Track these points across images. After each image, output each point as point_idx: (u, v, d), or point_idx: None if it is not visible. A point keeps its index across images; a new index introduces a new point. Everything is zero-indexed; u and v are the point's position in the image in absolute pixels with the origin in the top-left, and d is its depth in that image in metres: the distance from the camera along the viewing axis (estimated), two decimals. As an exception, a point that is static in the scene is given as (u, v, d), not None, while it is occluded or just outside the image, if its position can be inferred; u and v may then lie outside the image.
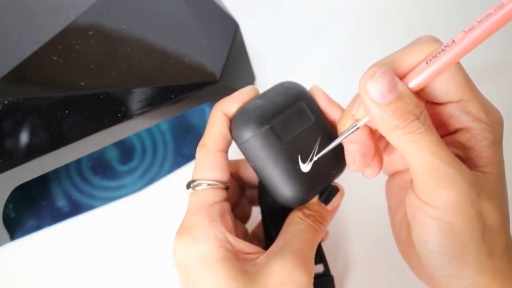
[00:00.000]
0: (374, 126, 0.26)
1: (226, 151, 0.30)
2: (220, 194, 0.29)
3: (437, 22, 0.52)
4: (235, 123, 0.29)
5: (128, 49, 0.35)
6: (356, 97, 0.27)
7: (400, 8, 0.54)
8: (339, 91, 0.32)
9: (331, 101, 0.31)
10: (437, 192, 0.24)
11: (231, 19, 0.41)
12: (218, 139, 0.29)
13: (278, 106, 0.29)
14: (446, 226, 0.25)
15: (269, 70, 0.48)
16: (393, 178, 0.31)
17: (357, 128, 0.27)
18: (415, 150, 0.24)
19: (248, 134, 0.28)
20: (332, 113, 0.31)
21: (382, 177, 0.33)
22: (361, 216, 0.41)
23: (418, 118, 0.24)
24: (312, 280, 0.27)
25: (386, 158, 0.31)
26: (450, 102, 0.27)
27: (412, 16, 0.53)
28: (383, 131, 0.25)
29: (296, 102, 0.30)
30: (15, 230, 0.40)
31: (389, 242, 0.40)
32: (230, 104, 0.30)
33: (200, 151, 0.29)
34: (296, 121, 0.29)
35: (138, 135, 0.45)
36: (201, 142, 0.30)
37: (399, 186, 0.31)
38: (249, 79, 0.45)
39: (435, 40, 0.26)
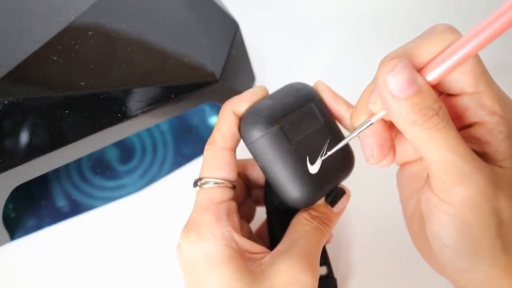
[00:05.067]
0: (391, 120, 0.25)
1: (234, 150, 0.30)
2: (227, 193, 0.29)
3: (438, 21, 0.52)
4: (244, 122, 0.29)
5: (128, 49, 0.35)
6: (368, 91, 0.27)
7: (400, 7, 0.54)
8: (340, 91, 0.32)
9: (336, 96, 0.31)
10: (453, 189, 0.24)
11: (231, 19, 0.41)
12: (227, 138, 0.29)
13: (287, 107, 0.29)
14: (462, 223, 0.24)
15: (269, 70, 0.48)
16: (404, 168, 0.31)
17: (371, 124, 0.27)
18: (433, 146, 0.24)
19: (258, 133, 0.28)
20: (337, 109, 0.31)
21: (386, 179, 0.33)
22: (364, 218, 0.41)
23: (437, 113, 0.24)
24: (317, 282, 0.27)
25: (397, 148, 0.30)
26: (465, 93, 0.26)
27: (413, 16, 0.53)
28: (400, 125, 0.25)
29: (305, 104, 0.30)
30: (15, 230, 0.40)
31: (392, 244, 0.40)
32: (240, 103, 0.30)
33: (208, 149, 0.29)
34: (305, 122, 0.29)
35: (138, 135, 0.45)
36: (210, 140, 0.29)
37: (410, 176, 0.30)
38: (249, 79, 0.45)
39: (452, 29, 0.25)
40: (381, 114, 0.26)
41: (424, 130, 0.24)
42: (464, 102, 0.26)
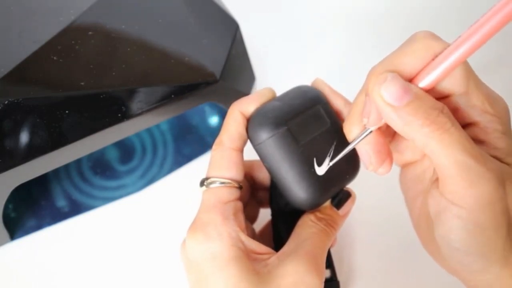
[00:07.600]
0: (398, 131, 0.25)
1: (241, 151, 0.30)
2: (234, 193, 0.29)
3: (437, 23, 0.52)
4: (252, 123, 0.29)
5: (128, 49, 0.35)
6: (359, 104, 0.27)
7: (401, 8, 0.54)
8: (339, 91, 0.32)
9: (334, 92, 0.31)
10: (467, 192, 0.24)
11: (231, 19, 0.41)
12: (235, 138, 0.29)
13: (295, 109, 0.29)
14: (474, 226, 0.24)
15: (269, 70, 0.48)
16: (405, 170, 0.31)
17: (370, 132, 0.27)
18: (445, 148, 0.24)
19: (265, 135, 0.28)
20: (336, 103, 0.31)
21: (388, 182, 0.33)
22: (367, 221, 0.41)
23: (442, 111, 0.24)
24: (323, 284, 0.27)
25: (395, 150, 0.30)
26: (453, 95, 0.26)
27: (413, 16, 0.53)
28: (409, 134, 0.24)
29: (313, 106, 0.30)
30: (15, 230, 0.40)
31: (395, 247, 0.40)
32: (248, 104, 0.30)
33: (216, 149, 0.29)
34: (313, 124, 0.29)
35: (138, 135, 0.45)
36: (217, 140, 0.29)
37: (412, 178, 0.30)
38: (249, 79, 0.45)
39: (433, 36, 0.25)
40: (378, 124, 0.26)
41: (434, 131, 0.24)
42: (453, 104, 0.26)
